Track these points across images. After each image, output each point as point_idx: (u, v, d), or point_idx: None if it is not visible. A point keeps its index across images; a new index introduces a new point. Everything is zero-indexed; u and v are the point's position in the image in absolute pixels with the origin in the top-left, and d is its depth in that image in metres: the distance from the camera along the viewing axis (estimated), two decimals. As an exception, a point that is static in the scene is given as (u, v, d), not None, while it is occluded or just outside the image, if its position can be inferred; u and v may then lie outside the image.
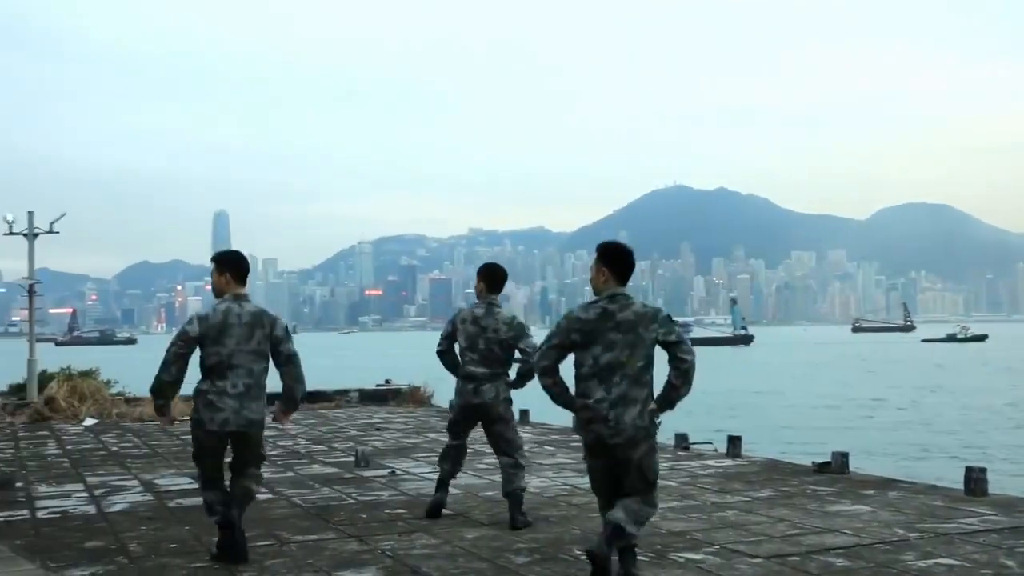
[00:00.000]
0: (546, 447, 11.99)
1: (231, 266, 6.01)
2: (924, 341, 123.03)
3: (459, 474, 9.77)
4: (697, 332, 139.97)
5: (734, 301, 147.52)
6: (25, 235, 20.83)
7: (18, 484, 9.35)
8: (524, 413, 15.62)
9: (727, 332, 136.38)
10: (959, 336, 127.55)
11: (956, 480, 8.70)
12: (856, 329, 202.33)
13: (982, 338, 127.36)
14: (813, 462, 9.88)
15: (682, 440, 11.76)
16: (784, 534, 6.61)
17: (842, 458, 9.53)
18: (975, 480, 8.11)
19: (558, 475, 9.67)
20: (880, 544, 6.25)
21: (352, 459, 10.72)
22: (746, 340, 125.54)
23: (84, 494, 8.84)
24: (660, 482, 8.26)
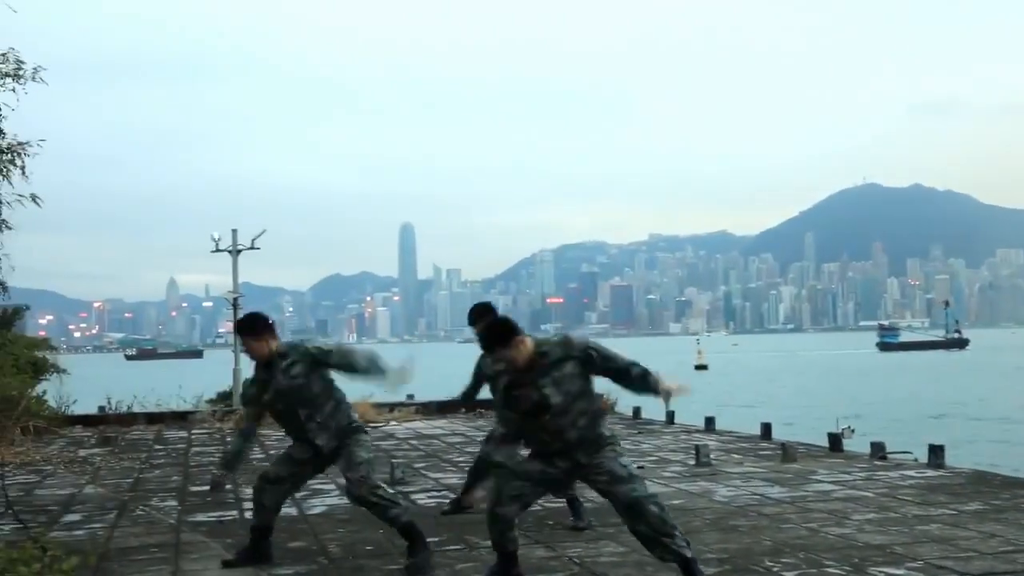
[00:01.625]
0: (734, 455, 11.72)
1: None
2: None
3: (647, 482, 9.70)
4: (907, 336, 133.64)
5: (947, 303, 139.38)
6: (229, 252, 22.19)
7: (227, 486, 9.93)
8: (708, 420, 15.40)
9: (940, 335, 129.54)
10: None
11: None
12: None
13: None
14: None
15: (879, 449, 11.23)
16: (996, 551, 6.19)
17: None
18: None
19: (746, 484, 9.43)
20: (1107, 564, 5.76)
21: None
22: (960, 344, 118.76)
23: (286, 496, 9.29)
24: (856, 493, 7.91)
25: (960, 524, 7.08)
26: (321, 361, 5.95)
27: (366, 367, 5.90)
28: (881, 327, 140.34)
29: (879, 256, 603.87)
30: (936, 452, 10.39)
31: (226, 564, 6.27)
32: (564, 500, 7.43)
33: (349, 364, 5.91)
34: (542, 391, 5.01)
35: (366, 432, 6.17)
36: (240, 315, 22.70)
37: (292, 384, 5.92)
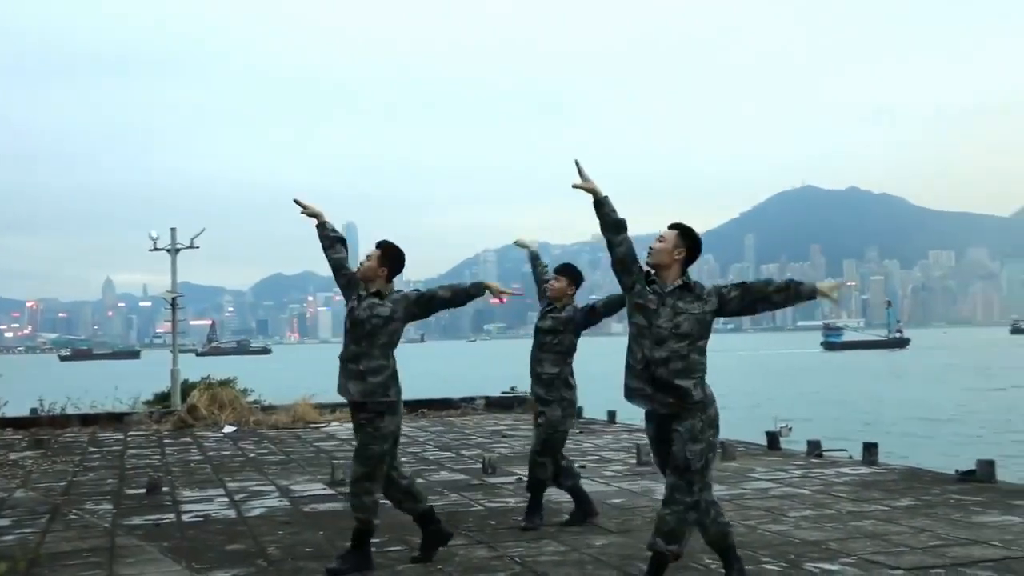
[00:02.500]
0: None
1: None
2: None
3: (585, 480, 9.76)
4: (850, 335, 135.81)
5: (889, 304, 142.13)
6: (168, 251, 21.84)
7: (164, 489, 9.78)
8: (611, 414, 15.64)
9: (882, 335, 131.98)
10: None
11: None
12: (1015, 331, 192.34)
13: None
14: (957, 470, 9.46)
15: (815, 447, 11.43)
16: (927, 545, 6.34)
17: (988, 466, 9.09)
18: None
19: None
20: (1032, 557, 5.93)
21: (479, 466, 10.82)
22: (901, 343, 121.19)
23: (225, 499, 9.18)
24: (792, 490, 8.05)
25: (892, 520, 7.24)
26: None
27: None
28: (826, 327, 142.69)
29: (817, 257, 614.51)
30: (870, 450, 10.61)
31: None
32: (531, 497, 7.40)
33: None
34: None
35: None
36: (180, 315, 22.34)
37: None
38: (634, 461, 11.01)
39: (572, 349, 7.32)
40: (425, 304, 6.19)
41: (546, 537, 6.90)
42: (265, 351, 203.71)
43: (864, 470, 10.07)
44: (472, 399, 20.38)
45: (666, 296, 5.13)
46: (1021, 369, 66.37)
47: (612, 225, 5.35)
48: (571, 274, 7.49)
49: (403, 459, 11.87)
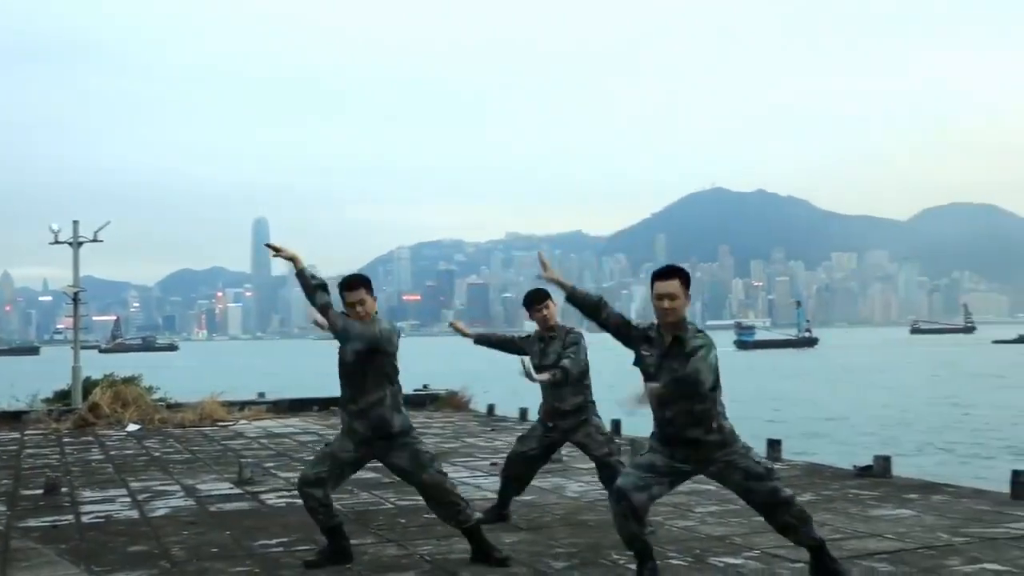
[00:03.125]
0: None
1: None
2: (996, 342, 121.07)
3: (496, 478, 9.80)
4: (762, 335, 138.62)
5: (799, 304, 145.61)
6: (70, 244, 21.17)
7: (63, 489, 9.49)
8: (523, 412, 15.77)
9: (793, 334, 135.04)
10: None
11: (1003, 483, 8.54)
12: (915, 331, 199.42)
13: None
14: (854, 465, 9.77)
15: (721, 444, 11.66)
16: (826, 538, 6.50)
17: (884, 461, 9.41)
18: (1022, 483, 7.96)
19: (596, 479, 9.63)
20: (924, 549, 6.16)
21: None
22: (810, 342, 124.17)
23: (127, 499, 8.95)
24: (699, 487, 8.21)
25: (794, 514, 7.42)
26: None
27: None
28: (738, 326, 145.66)
29: (725, 258, 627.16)
30: (773, 446, 10.89)
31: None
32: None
33: None
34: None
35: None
36: (82, 310, 21.70)
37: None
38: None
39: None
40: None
41: (456, 535, 6.90)
42: (172, 348, 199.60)
43: (770, 466, 10.30)
44: (384, 397, 20.25)
45: (663, 358, 5.18)
46: (919, 368, 68.91)
47: (591, 308, 5.42)
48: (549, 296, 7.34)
49: (310, 457, 11.77)
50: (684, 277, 5.24)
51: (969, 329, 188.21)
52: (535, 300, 7.23)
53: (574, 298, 5.50)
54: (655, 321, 5.27)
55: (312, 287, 6.14)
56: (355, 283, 5.93)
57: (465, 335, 7.67)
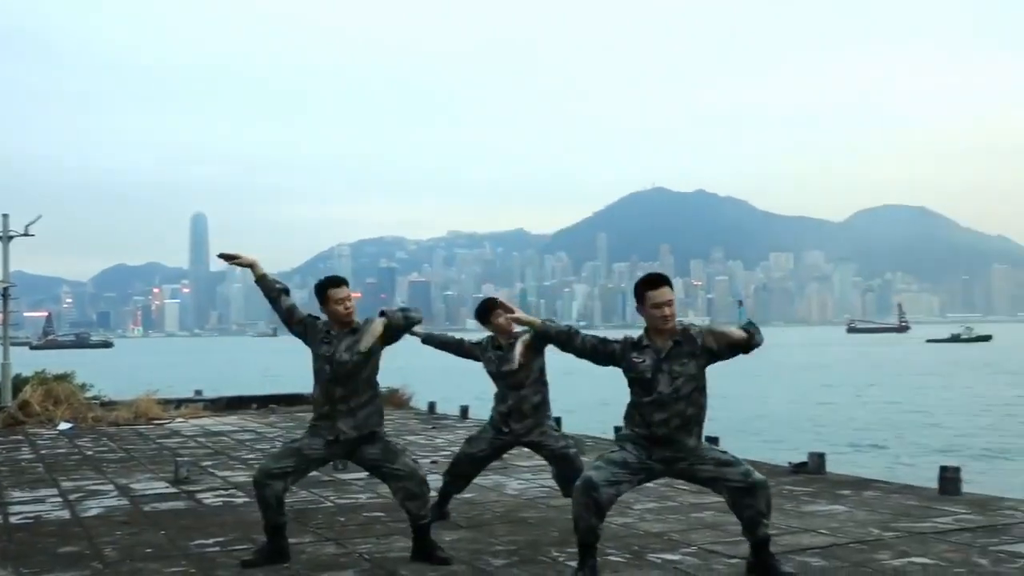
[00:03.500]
0: (524, 449, 11.96)
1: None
2: (929, 341, 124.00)
3: (437, 476, 9.78)
4: None
5: (741, 303, 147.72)
6: (-1, 238, 20.61)
7: (-12, 489, 9.26)
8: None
9: None
10: (963, 336, 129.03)
11: (931, 479, 8.76)
12: (851, 330, 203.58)
13: (987, 338, 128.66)
14: (789, 462, 9.94)
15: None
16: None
17: (819, 458, 9.59)
18: (949, 479, 8.18)
19: (536, 477, 9.68)
20: (855, 544, 6.29)
21: (331, 462, 10.67)
22: None
23: (58, 499, 8.76)
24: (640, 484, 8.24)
25: (730, 511, 7.53)
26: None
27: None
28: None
29: (665, 257, 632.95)
30: (712, 444, 11.00)
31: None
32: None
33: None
34: None
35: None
36: (12, 306, 21.20)
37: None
38: (485, 456, 11.08)
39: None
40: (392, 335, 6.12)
41: (395, 533, 6.88)
42: (106, 344, 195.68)
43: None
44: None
45: (662, 362, 5.25)
46: (855, 366, 70.34)
47: (564, 340, 5.51)
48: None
49: (252, 456, 11.65)
50: (670, 283, 5.39)
51: (903, 328, 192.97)
52: (492, 308, 7.12)
53: (547, 336, 5.62)
54: (632, 334, 5.41)
55: (276, 292, 6.15)
56: (342, 281, 6.02)
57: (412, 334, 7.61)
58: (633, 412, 5.37)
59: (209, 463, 11.16)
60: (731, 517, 7.22)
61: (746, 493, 5.38)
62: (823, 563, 5.79)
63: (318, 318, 6.06)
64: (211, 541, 6.73)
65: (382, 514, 7.68)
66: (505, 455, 11.06)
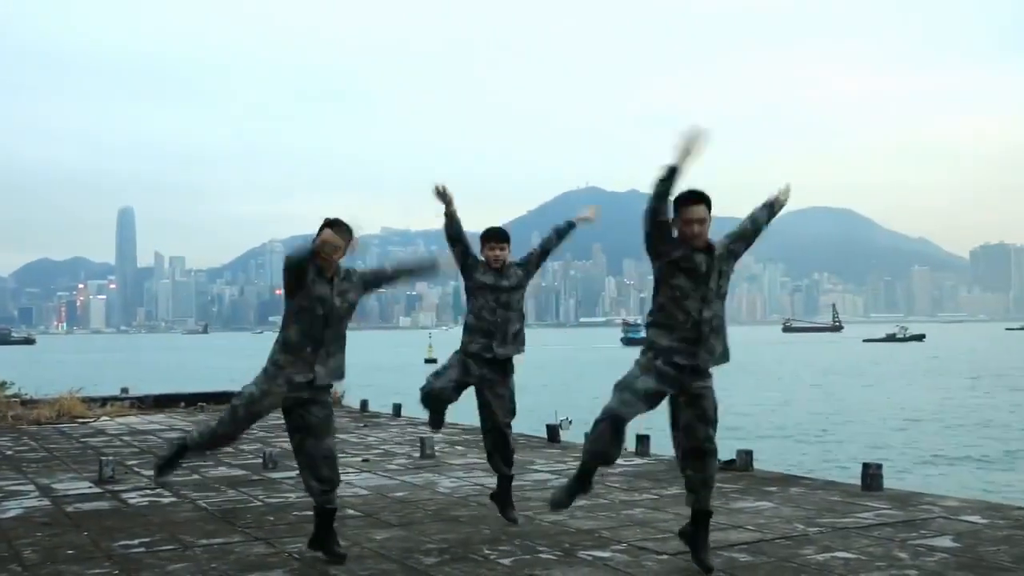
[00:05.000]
0: (458, 447, 11.98)
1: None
2: (866, 341, 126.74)
3: (368, 474, 9.73)
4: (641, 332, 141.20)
5: None
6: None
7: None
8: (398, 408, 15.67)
9: None
10: (899, 336, 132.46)
11: (855, 476, 8.96)
12: (787, 329, 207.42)
13: (920, 337, 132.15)
14: (718, 459, 10.07)
15: (592, 439, 11.86)
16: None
17: (746, 456, 9.75)
18: (871, 476, 8.37)
19: (469, 475, 9.68)
20: (781, 539, 6.40)
21: (260, 461, 10.56)
22: None
23: (-24, 500, 8.51)
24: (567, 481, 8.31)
25: (660, 508, 7.63)
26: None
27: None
28: (625, 323, 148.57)
29: (598, 256, 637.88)
30: (642, 441, 11.14)
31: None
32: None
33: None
34: None
35: None
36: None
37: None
38: (418, 455, 11.06)
39: None
40: (372, 286, 6.20)
41: (326, 532, 6.81)
42: (28, 341, 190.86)
43: (637, 461, 10.56)
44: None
45: (715, 259, 5.43)
46: (792, 365, 71.68)
47: (651, 212, 5.52)
48: (508, 239, 7.10)
49: (178, 455, 11.44)
50: (709, 202, 5.50)
51: (837, 328, 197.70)
52: (503, 237, 7.03)
53: (674, 177, 5.41)
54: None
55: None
56: (334, 220, 5.93)
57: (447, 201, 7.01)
58: (675, 311, 5.39)
59: (135, 462, 10.95)
60: (661, 514, 7.33)
61: (703, 455, 5.63)
62: (750, 558, 5.89)
63: (305, 257, 5.88)
64: (136, 542, 6.60)
65: (312, 513, 7.59)
66: (438, 453, 11.10)
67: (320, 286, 5.86)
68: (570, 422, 17.84)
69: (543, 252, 7.28)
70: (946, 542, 6.22)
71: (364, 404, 17.85)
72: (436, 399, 6.98)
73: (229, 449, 12.13)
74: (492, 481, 8.81)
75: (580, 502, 7.85)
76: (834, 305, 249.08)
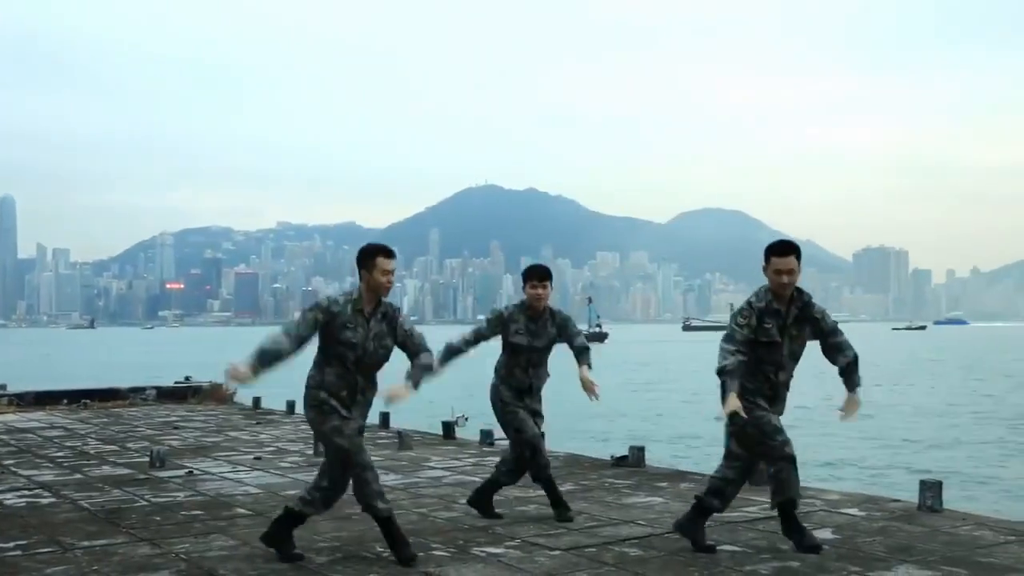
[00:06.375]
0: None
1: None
2: None
3: (260, 472, 9.56)
4: None
5: (590, 300, 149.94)
6: None
7: None
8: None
9: (584, 329, 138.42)
10: None
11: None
12: (686, 328, 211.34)
13: None
14: (612, 456, 10.23)
15: (487, 437, 11.91)
16: (582, 526, 6.81)
17: (638, 452, 9.91)
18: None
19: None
20: (672, 534, 6.53)
21: (147, 459, 10.27)
22: (600, 337, 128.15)
23: None
24: (464, 478, 8.33)
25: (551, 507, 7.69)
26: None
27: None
28: None
29: (496, 254, 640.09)
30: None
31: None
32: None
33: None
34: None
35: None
36: None
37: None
38: (310, 452, 10.92)
39: None
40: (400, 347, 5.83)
41: (215, 532, 6.68)
42: None
43: (531, 457, 10.61)
44: (142, 389, 19.31)
45: (788, 328, 5.80)
46: (694, 363, 73.11)
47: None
48: (551, 276, 7.10)
49: (60, 454, 11.05)
50: (799, 253, 5.79)
51: None
52: (545, 275, 7.00)
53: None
54: (756, 300, 5.80)
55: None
56: (393, 253, 5.77)
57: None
58: (756, 371, 5.79)
59: (11, 462, 10.52)
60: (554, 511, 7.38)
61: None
62: (640, 553, 5.99)
63: (336, 301, 5.63)
64: (11, 544, 6.34)
65: (201, 512, 7.44)
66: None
67: (349, 331, 5.57)
68: (466, 419, 17.87)
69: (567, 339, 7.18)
70: (827, 534, 6.44)
71: (257, 401, 17.54)
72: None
73: (114, 447, 11.79)
74: (388, 479, 8.77)
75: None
76: (732, 305, 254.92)
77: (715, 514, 6.24)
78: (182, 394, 19.22)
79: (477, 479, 9.03)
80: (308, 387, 5.68)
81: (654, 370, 64.59)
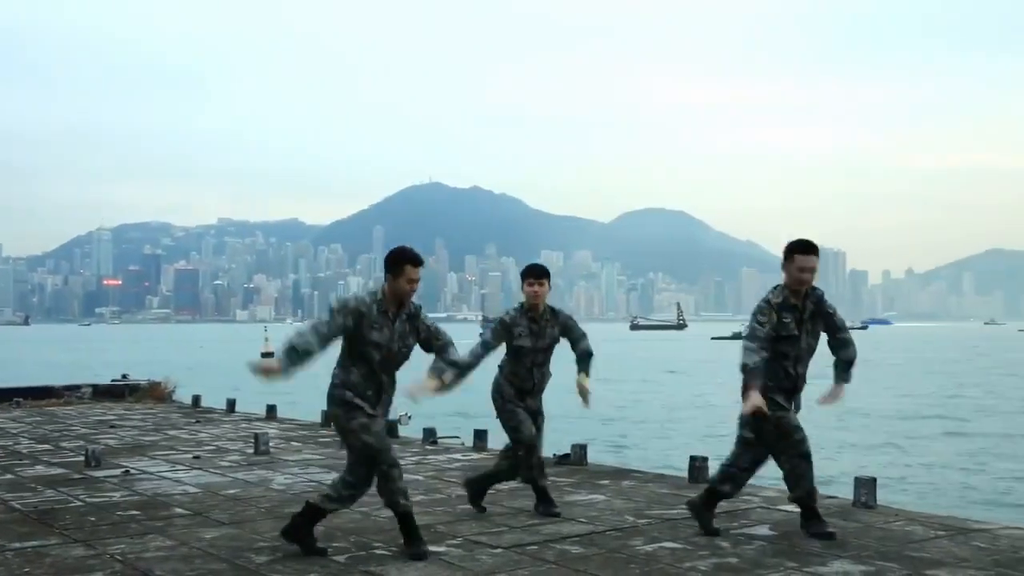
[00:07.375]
0: (293, 443, 11.77)
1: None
2: (714, 339, 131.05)
3: (199, 471, 9.43)
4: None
5: None
6: None
7: None
8: (270, 408, 15.18)
9: None
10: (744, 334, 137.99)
11: (683, 469, 9.29)
12: (634, 327, 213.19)
13: None
14: (554, 454, 10.26)
15: (430, 435, 11.89)
16: (524, 524, 6.83)
17: (581, 450, 9.97)
18: (698, 468, 8.72)
19: (304, 471, 9.53)
20: (612, 531, 6.58)
21: (82, 459, 10.07)
22: None
23: None
24: (407, 476, 8.32)
25: (496, 502, 7.70)
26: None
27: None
28: (485, 319, 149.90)
29: (441, 252, 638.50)
30: (480, 436, 11.23)
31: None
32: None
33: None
34: None
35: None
36: None
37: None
38: (251, 451, 10.80)
39: None
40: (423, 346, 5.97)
41: (152, 532, 6.58)
42: None
43: (475, 456, 10.64)
44: (78, 387, 18.93)
45: (805, 322, 6.09)
46: (641, 362, 73.62)
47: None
48: (548, 275, 7.23)
49: (-9, 453, 10.77)
50: (818, 252, 6.08)
51: (682, 326, 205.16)
52: (542, 274, 7.14)
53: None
54: (774, 297, 6.07)
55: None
56: (422, 261, 5.91)
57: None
58: (775, 366, 6.00)
59: (-59, 462, 10.23)
60: (496, 508, 7.40)
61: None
62: (582, 550, 6.02)
63: (364, 302, 5.64)
64: (-60, 547, 6.17)
65: (137, 512, 7.32)
66: (272, 448, 10.87)
67: (376, 331, 5.64)
68: (409, 417, 17.73)
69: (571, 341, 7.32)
70: (764, 531, 6.54)
71: (196, 399, 17.30)
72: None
73: (47, 446, 11.54)
74: (330, 479, 8.71)
75: (416, 497, 7.86)
76: (678, 304, 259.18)
77: (724, 500, 6.58)
78: (119, 392, 18.88)
79: (420, 477, 9.02)
80: (334, 385, 5.73)
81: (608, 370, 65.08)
